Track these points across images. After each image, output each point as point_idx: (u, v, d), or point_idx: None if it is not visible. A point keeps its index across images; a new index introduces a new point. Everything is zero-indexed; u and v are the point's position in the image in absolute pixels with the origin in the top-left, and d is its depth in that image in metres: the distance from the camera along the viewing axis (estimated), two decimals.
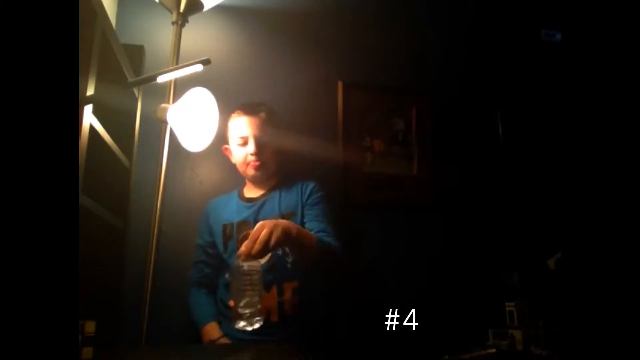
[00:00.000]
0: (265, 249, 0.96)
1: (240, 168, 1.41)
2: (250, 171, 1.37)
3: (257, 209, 1.36)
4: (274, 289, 1.27)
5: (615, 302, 1.48)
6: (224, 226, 1.37)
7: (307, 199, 1.36)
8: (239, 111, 1.39)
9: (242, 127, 1.36)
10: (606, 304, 1.47)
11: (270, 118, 1.41)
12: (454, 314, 1.66)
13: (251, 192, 1.43)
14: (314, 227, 1.30)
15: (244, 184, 1.47)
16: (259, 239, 0.96)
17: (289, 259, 1.29)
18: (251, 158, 1.35)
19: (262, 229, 0.98)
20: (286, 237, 1.01)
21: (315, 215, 1.33)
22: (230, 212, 1.39)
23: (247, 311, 0.91)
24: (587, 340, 1.36)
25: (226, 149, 1.45)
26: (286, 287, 1.28)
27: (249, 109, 1.38)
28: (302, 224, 1.32)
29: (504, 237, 1.79)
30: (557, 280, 1.56)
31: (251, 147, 1.34)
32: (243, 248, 0.95)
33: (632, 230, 1.69)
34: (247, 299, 0.91)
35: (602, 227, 1.74)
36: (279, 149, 1.43)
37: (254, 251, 0.95)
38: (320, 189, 1.40)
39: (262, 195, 1.40)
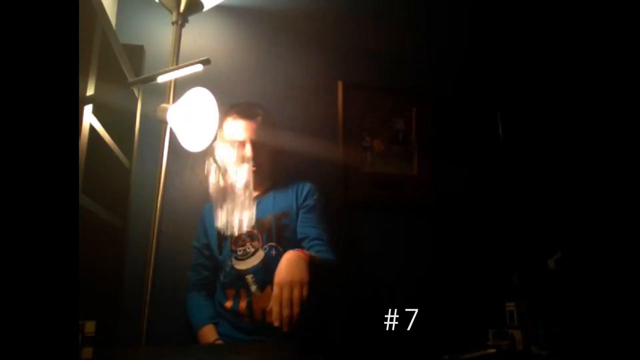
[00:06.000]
0: (291, 310, 0.97)
1: None
2: None
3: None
4: (269, 289, 1.26)
5: (615, 302, 1.48)
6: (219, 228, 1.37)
7: (303, 202, 1.37)
8: (234, 113, 1.37)
9: (238, 131, 1.35)
10: (606, 304, 1.47)
11: (267, 120, 1.40)
12: (454, 314, 1.66)
13: None
14: (310, 233, 1.31)
15: None
16: (283, 303, 0.98)
17: None
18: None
19: (280, 291, 1.00)
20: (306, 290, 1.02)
21: (310, 220, 1.33)
22: None
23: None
24: (587, 340, 1.36)
25: None
26: None
27: (245, 112, 1.36)
28: (296, 225, 1.34)
29: (504, 237, 1.79)
30: (557, 280, 1.56)
31: (248, 152, 1.34)
32: (275, 322, 0.98)
33: (632, 230, 1.69)
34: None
35: (602, 227, 1.74)
36: (276, 152, 1.44)
37: (284, 316, 0.97)
38: (317, 191, 1.40)
39: (257, 197, 1.40)
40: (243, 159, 1.37)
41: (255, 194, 1.42)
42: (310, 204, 1.36)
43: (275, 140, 1.44)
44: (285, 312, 0.96)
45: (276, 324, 0.96)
